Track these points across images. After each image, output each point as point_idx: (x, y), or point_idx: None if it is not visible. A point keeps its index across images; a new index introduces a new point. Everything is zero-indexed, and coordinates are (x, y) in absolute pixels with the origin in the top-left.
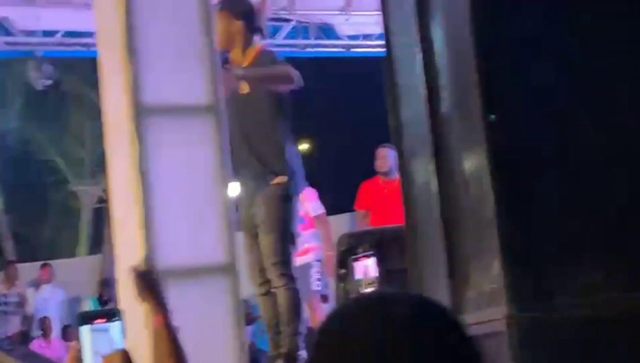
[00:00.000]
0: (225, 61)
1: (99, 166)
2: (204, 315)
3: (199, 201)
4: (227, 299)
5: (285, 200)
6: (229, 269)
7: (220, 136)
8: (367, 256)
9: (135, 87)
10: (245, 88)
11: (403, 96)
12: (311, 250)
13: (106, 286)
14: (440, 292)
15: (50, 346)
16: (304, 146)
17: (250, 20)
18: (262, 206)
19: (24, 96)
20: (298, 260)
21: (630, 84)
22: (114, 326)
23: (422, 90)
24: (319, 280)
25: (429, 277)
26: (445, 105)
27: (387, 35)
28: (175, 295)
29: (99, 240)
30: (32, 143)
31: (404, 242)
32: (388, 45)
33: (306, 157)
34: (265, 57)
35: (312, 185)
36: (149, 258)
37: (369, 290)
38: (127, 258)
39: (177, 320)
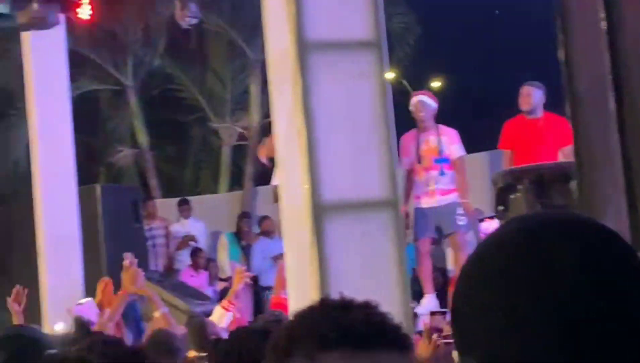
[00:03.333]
0: None
1: (239, 104)
2: (367, 249)
3: (362, 136)
4: (389, 234)
5: None
6: (391, 204)
7: (382, 71)
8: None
9: (298, 24)
10: None
11: (577, 31)
12: (454, 191)
13: (245, 219)
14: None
15: (199, 276)
16: (437, 84)
17: None
18: None
19: (166, 34)
20: (441, 200)
21: None
22: None
23: (601, 24)
24: (462, 215)
25: (605, 215)
26: (627, 40)
27: None
28: (338, 229)
29: (239, 177)
30: (174, 81)
31: (563, 179)
32: None
33: (441, 95)
34: None
35: (451, 125)
36: None
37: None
38: (291, 191)
39: (340, 253)
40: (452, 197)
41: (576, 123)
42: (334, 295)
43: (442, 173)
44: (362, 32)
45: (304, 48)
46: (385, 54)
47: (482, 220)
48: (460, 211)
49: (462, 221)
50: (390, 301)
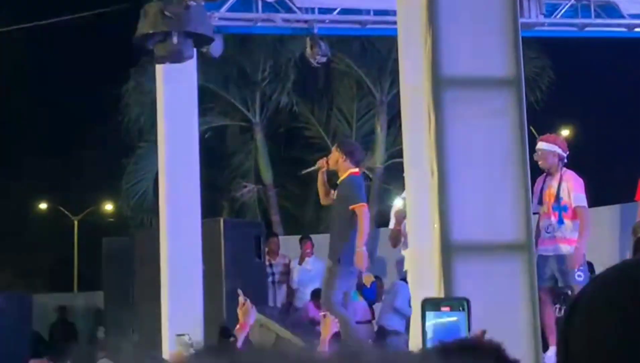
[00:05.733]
0: None
1: (364, 144)
2: (498, 292)
3: (496, 175)
4: (521, 278)
5: None
6: (524, 247)
7: (520, 109)
8: None
9: (435, 60)
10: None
11: None
12: (574, 241)
13: None
14: None
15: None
16: (566, 132)
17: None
18: None
19: (295, 72)
20: (562, 249)
21: None
22: (460, 316)
23: None
24: (580, 270)
25: None
26: None
27: None
28: (468, 269)
29: None
30: (300, 119)
31: None
32: None
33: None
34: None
35: (581, 174)
36: None
37: None
38: (420, 230)
39: (469, 295)
40: (569, 247)
41: None
42: None
43: (560, 221)
44: (500, 70)
45: (439, 84)
46: (523, 93)
47: None
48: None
49: (580, 276)
50: (520, 349)
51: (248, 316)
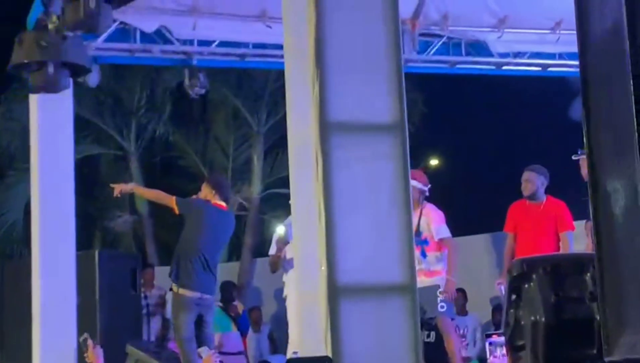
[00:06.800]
0: None
1: (241, 175)
2: (382, 334)
3: (382, 218)
4: (405, 320)
5: None
6: (408, 289)
7: (404, 153)
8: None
9: (322, 103)
10: None
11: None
12: (437, 273)
13: (231, 292)
14: None
15: None
16: (435, 162)
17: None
18: None
19: (171, 101)
20: (425, 281)
21: None
22: None
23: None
24: (442, 301)
25: (630, 307)
26: None
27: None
28: (354, 312)
29: (239, 247)
30: (177, 149)
31: (581, 269)
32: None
33: (437, 175)
34: None
35: (441, 206)
36: None
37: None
38: (306, 271)
39: (354, 337)
40: (432, 279)
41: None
42: None
43: (422, 254)
44: (385, 115)
45: (327, 128)
46: (407, 136)
47: (489, 335)
48: (440, 294)
49: (442, 307)
50: None
51: (98, 358)
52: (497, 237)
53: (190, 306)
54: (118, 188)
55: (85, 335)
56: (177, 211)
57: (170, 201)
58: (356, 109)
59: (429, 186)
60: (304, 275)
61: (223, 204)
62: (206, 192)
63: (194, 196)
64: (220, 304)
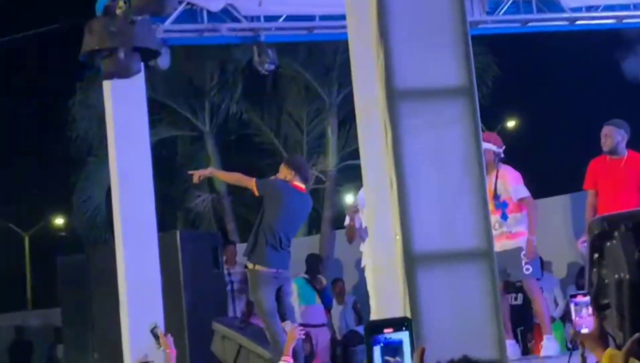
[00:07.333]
0: None
1: (316, 148)
2: (461, 300)
3: (454, 184)
4: (483, 285)
5: None
6: (485, 254)
7: (475, 117)
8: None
9: (388, 72)
10: None
11: None
12: (519, 234)
13: (317, 265)
14: None
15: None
16: (511, 123)
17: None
18: None
19: (242, 79)
20: (507, 244)
21: None
22: (403, 335)
23: None
24: (527, 264)
25: None
26: None
27: None
28: (431, 279)
29: (318, 221)
30: (251, 126)
31: None
32: None
33: (515, 135)
34: None
35: (519, 168)
36: None
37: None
38: (381, 241)
39: (432, 305)
40: (514, 241)
41: None
42: (427, 349)
43: (503, 216)
44: (453, 79)
45: (394, 96)
46: (476, 100)
47: (574, 296)
48: (524, 257)
49: (528, 269)
50: (485, 355)
51: (171, 345)
52: (575, 198)
53: (268, 280)
54: (197, 175)
55: (155, 323)
56: (256, 194)
57: (250, 183)
58: (422, 75)
59: (504, 147)
60: (379, 245)
61: (302, 186)
62: (285, 173)
63: (273, 177)
64: (306, 276)
